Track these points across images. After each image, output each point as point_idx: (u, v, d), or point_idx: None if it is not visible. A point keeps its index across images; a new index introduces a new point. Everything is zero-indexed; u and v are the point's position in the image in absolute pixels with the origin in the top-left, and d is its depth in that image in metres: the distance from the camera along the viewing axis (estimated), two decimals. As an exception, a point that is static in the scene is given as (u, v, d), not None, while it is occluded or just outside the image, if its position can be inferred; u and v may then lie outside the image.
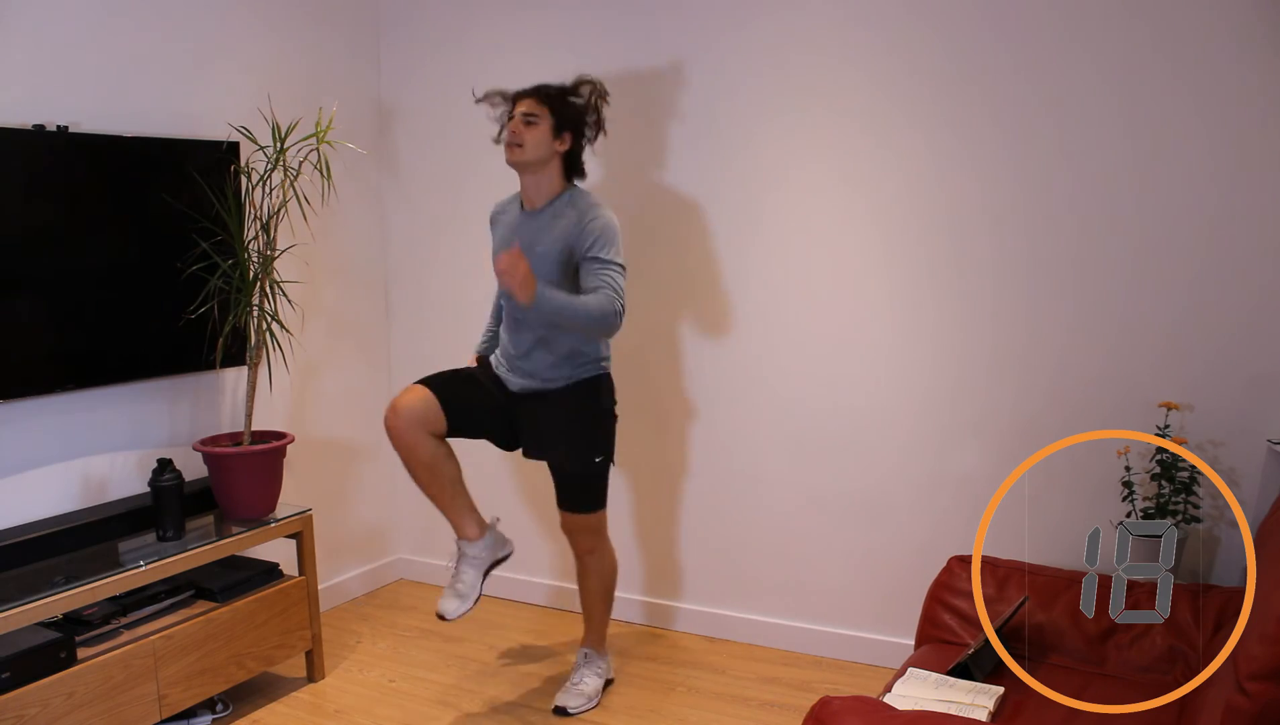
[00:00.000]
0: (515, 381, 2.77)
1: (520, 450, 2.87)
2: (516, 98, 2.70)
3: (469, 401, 2.74)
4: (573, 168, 2.73)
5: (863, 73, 2.93)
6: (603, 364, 2.78)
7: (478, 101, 2.80)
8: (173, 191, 2.85)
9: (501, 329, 2.85)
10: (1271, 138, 2.49)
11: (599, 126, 2.75)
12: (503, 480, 3.64)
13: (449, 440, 2.74)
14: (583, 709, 2.85)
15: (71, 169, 2.64)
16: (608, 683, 3.00)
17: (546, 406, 2.74)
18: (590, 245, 2.60)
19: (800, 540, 3.19)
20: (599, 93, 2.74)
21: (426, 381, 2.72)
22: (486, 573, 2.81)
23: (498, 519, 2.89)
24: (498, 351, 2.86)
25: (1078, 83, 2.68)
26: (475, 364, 2.91)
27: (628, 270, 2.70)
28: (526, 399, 2.77)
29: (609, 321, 2.56)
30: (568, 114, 2.66)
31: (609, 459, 2.80)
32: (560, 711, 2.84)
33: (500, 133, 2.72)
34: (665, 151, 3.24)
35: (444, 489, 2.73)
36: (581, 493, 2.79)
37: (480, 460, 3.36)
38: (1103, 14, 2.63)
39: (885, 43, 2.89)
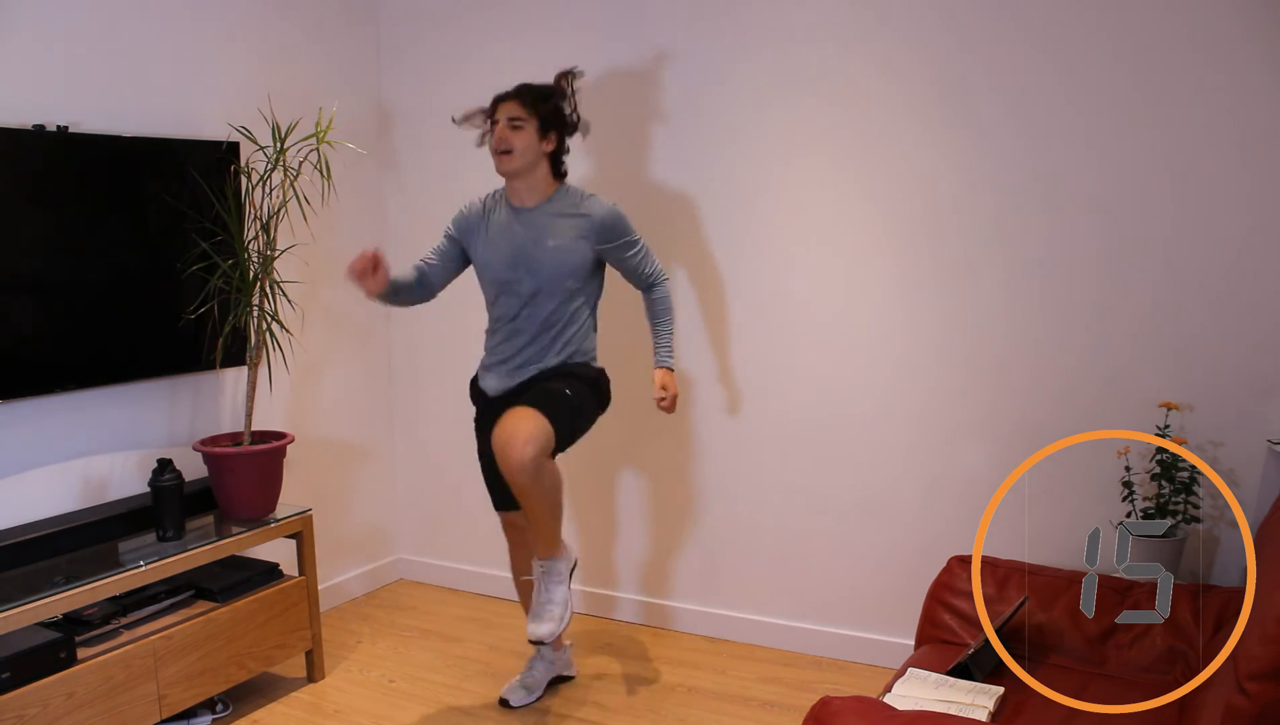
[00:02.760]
0: (513, 380, 2.74)
1: None
2: (497, 102, 2.68)
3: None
4: (559, 165, 2.74)
5: (869, 63, 2.92)
6: (590, 355, 2.78)
7: (459, 124, 2.77)
8: (173, 191, 2.85)
9: (486, 337, 2.81)
10: (1272, 136, 2.49)
11: (576, 116, 2.76)
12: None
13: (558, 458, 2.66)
14: (557, 630, 2.64)
15: (71, 169, 2.65)
16: (573, 568, 2.82)
17: (536, 379, 2.70)
18: (612, 239, 2.70)
19: (800, 540, 3.19)
20: (574, 75, 2.75)
21: (499, 501, 2.86)
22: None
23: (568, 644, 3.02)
24: (484, 367, 2.81)
25: (1085, 84, 2.68)
26: (385, 283, 2.69)
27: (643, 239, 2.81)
28: (516, 388, 2.73)
29: (673, 301, 2.91)
30: (551, 114, 2.67)
31: (580, 404, 2.66)
32: (536, 642, 2.78)
33: (483, 138, 2.72)
34: (666, 149, 3.24)
35: (559, 511, 2.69)
36: (545, 399, 2.57)
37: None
38: (1117, 10, 2.63)
39: (893, 32, 2.87)
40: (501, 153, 2.64)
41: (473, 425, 2.88)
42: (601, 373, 2.80)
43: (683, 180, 3.23)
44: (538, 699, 2.94)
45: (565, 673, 3.06)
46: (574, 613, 3.52)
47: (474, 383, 2.86)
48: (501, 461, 2.46)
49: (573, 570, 2.87)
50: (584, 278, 2.69)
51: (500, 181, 2.75)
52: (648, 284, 2.82)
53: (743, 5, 3.06)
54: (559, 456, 2.63)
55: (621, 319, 3.34)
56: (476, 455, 2.85)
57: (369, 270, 2.57)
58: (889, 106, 2.91)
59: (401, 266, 2.84)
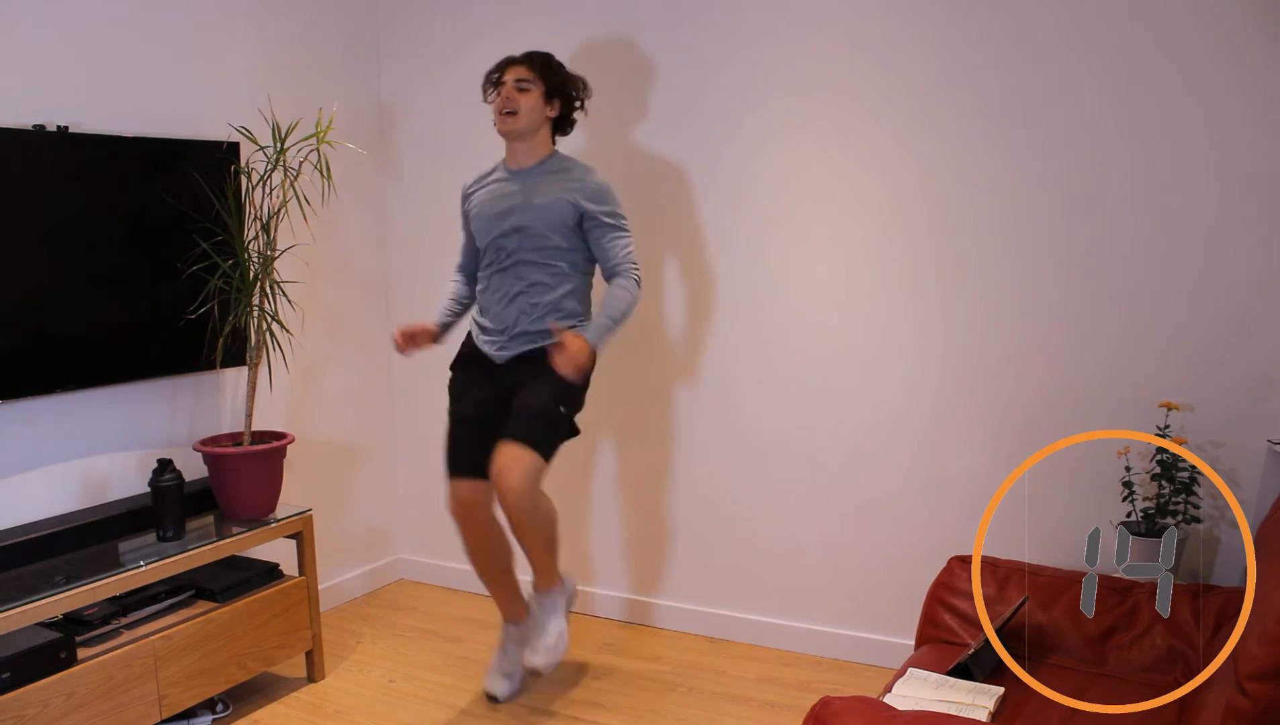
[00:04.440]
0: (498, 355, 2.77)
1: None
2: (506, 64, 2.73)
3: (485, 444, 2.71)
4: (559, 131, 2.81)
5: (876, 60, 2.91)
6: (584, 324, 2.77)
7: (487, 97, 2.81)
8: (173, 191, 2.85)
9: (479, 294, 2.85)
10: (1271, 137, 2.49)
11: (581, 104, 2.84)
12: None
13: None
14: (553, 662, 2.77)
15: (71, 169, 2.64)
16: (572, 599, 2.98)
17: (530, 370, 2.72)
18: (598, 204, 2.70)
19: (801, 540, 3.19)
20: (587, 88, 2.85)
21: (458, 468, 2.79)
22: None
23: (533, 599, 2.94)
24: (475, 320, 2.86)
25: (1080, 84, 2.68)
26: (436, 331, 2.89)
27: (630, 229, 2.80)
28: (514, 371, 2.75)
29: (637, 298, 2.74)
30: (557, 81, 2.74)
31: (571, 419, 2.75)
32: (533, 673, 2.84)
33: (488, 95, 2.76)
34: (664, 144, 3.24)
35: (500, 573, 2.87)
36: (534, 426, 2.63)
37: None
38: (1109, 17, 2.62)
39: (900, 28, 2.87)
40: (507, 113, 2.69)
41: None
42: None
43: (680, 176, 3.23)
44: (521, 683, 2.95)
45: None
46: (575, 611, 3.53)
47: (465, 343, 2.89)
48: (500, 498, 2.65)
49: (571, 600, 2.95)
50: (570, 236, 2.72)
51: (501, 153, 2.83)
52: (611, 271, 2.73)
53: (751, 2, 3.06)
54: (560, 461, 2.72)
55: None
56: (483, 456, 2.74)
57: (412, 344, 2.82)
58: (892, 102, 2.91)
59: (445, 287, 3.01)
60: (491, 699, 2.89)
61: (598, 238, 2.72)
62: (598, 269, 2.82)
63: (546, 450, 2.66)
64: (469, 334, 2.90)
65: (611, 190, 2.74)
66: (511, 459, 2.59)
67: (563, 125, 2.82)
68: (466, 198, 2.89)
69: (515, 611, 2.92)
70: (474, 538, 2.81)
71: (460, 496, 2.79)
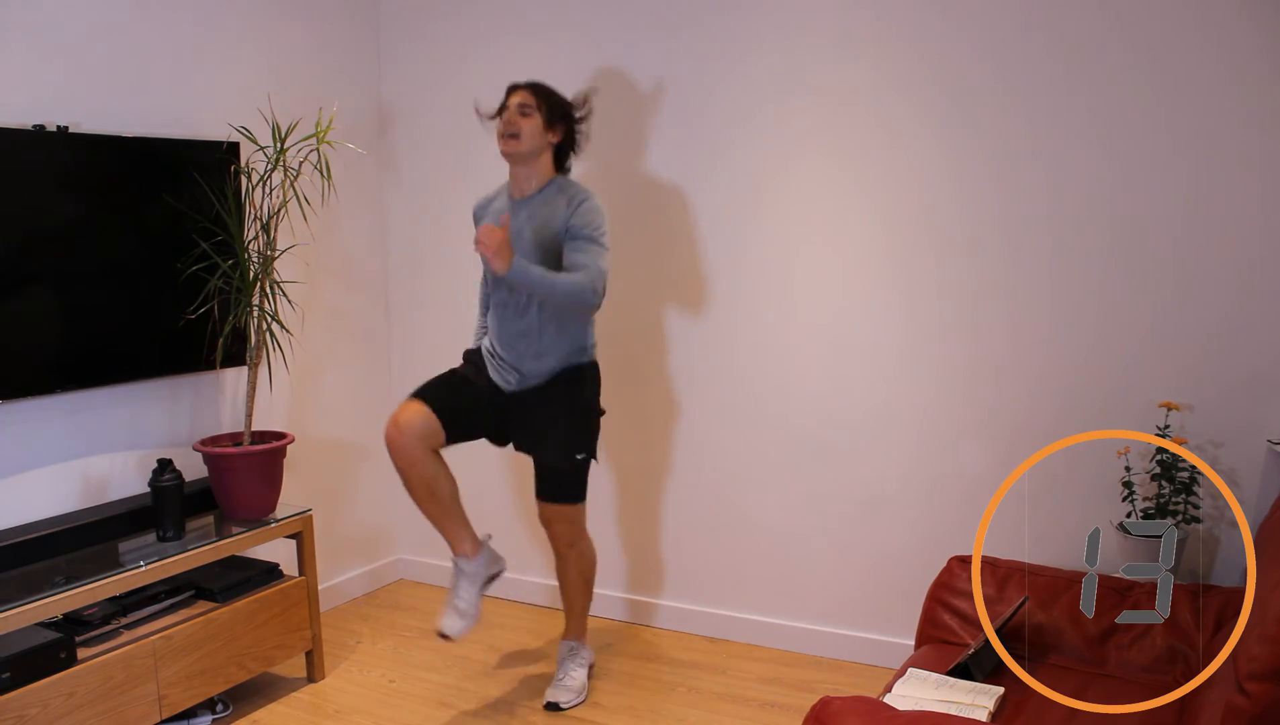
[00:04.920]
0: (505, 384, 2.80)
1: (512, 445, 2.90)
2: (510, 90, 2.76)
3: (464, 407, 2.76)
4: (562, 160, 2.81)
5: (870, 64, 2.92)
6: (589, 352, 2.81)
7: (491, 119, 2.80)
8: (173, 191, 2.85)
9: (489, 319, 2.87)
10: (1268, 137, 2.49)
11: (583, 124, 2.84)
12: (497, 483, 3.64)
13: (445, 455, 2.76)
14: (573, 703, 2.88)
15: (71, 169, 2.64)
16: (590, 669, 3.05)
17: (534, 400, 2.77)
18: (577, 224, 2.68)
19: (801, 540, 3.19)
20: (591, 95, 2.87)
21: (422, 394, 2.73)
22: (483, 589, 2.83)
23: (489, 536, 2.91)
24: (485, 343, 2.88)
25: (1074, 85, 2.68)
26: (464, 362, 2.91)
27: (610, 254, 2.72)
28: (516, 394, 2.79)
29: (585, 298, 2.60)
30: (560, 107, 2.75)
31: (590, 455, 2.82)
32: (552, 707, 2.86)
33: (498, 114, 2.75)
34: (667, 155, 3.24)
35: (442, 505, 2.76)
36: (560, 485, 2.82)
37: (474, 463, 3.36)
38: (1093, 23, 2.63)
39: (895, 33, 2.87)
40: (508, 136, 2.70)
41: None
42: (595, 377, 2.84)
43: (680, 179, 3.23)
44: (475, 618, 2.78)
45: (494, 570, 2.90)
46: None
47: (477, 352, 2.90)
48: (550, 538, 2.90)
49: (590, 669, 3.04)
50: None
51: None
52: (572, 269, 2.64)
53: (750, 10, 3.06)
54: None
55: (620, 319, 3.34)
56: (457, 414, 2.73)
57: (504, 246, 2.52)
58: (889, 106, 2.91)
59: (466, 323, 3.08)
60: (442, 636, 2.74)
61: (571, 251, 2.65)
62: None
63: (580, 495, 2.86)
64: (482, 349, 2.89)
65: (599, 213, 2.70)
66: (553, 515, 2.86)
67: (565, 153, 2.80)
68: (476, 216, 2.93)
69: (463, 546, 2.78)
70: (404, 464, 2.67)
71: (400, 417, 2.65)
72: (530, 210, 2.73)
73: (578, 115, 2.80)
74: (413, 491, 2.73)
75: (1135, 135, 2.63)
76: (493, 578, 2.88)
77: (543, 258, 2.68)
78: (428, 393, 2.73)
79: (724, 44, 3.11)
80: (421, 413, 2.66)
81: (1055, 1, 2.68)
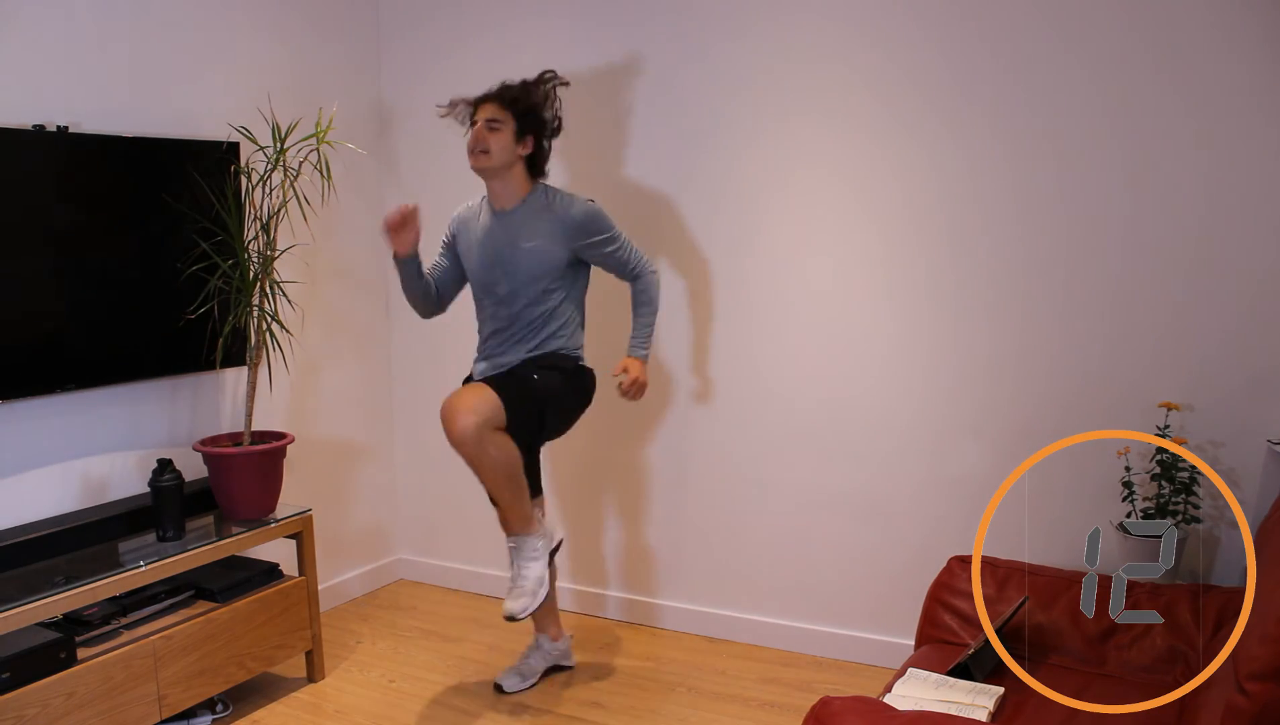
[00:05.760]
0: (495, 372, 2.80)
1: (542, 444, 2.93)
2: (478, 103, 2.75)
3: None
4: (536, 168, 2.79)
5: (859, 77, 2.93)
6: (578, 351, 2.84)
7: (443, 115, 2.84)
8: (173, 191, 2.85)
9: (479, 327, 2.88)
10: (1269, 136, 2.49)
11: (557, 121, 2.82)
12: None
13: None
14: (530, 608, 2.69)
15: (71, 169, 2.64)
16: (556, 548, 2.88)
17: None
18: (588, 235, 2.72)
19: (800, 540, 3.19)
20: (558, 82, 2.81)
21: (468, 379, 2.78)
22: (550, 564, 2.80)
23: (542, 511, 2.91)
24: (476, 357, 2.89)
25: (1074, 85, 2.68)
26: (411, 218, 2.79)
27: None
28: None
29: (660, 288, 2.89)
30: (530, 117, 2.73)
31: (544, 390, 2.68)
32: (510, 618, 2.69)
33: (468, 127, 2.76)
34: (664, 153, 3.24)
35: (516, 485, 2.66)
36: (500, 378, 2.68)
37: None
38: (1094, 18, 2.63)
39: (881, 48, 2.89)
40: (479, 152, 2.71)
41: None
42: (581, 367, 2.83)
43: (675, 174, 3.23)
44: (531, 686, 2.97)
45: (563, 663, 3.08)
46: (568, 605, 3.53)
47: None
48: (447, 433, 2.55)
49: (555, 550, 2.88)
50: (560, 277, 2.75)
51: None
52: (632, 276, 2.84)
53: (748, 28, 3.06)
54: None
55: (618, 319, 3.35)
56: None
57: (401, 226, 2.71)
58: (885, 104, 2.91)
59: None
60: (510, 619, 2.70)
61: (599, 258, 2.78)
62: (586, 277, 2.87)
63: (508, 401, 2.58)
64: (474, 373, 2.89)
65: (594, 216, 2.73)
66: (463, 394, 2.57)
67: (538, 161, 2.77)
68: (455, 235, 2.89)
69: (530, 523, 2.73)
70: (474, 452, 2.57)
71: (466, 400, 2.57)
72: (516, 224, 2.73)
73: (547, 114, 2.76)
74: (485, 476, 2.63)
75: (1143, 133, 2.63)
76: (555, 550, 2.87)
77: (547, 268, 2.70)
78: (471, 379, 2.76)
79: (729, 61, 3.11)
80: (482, 391, 2.57)
81: (1047, 15, 2.67)
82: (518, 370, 2.74)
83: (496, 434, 2.59)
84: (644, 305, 2.85)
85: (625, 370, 2.79)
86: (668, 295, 3.29)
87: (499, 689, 2.95)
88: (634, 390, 2.80)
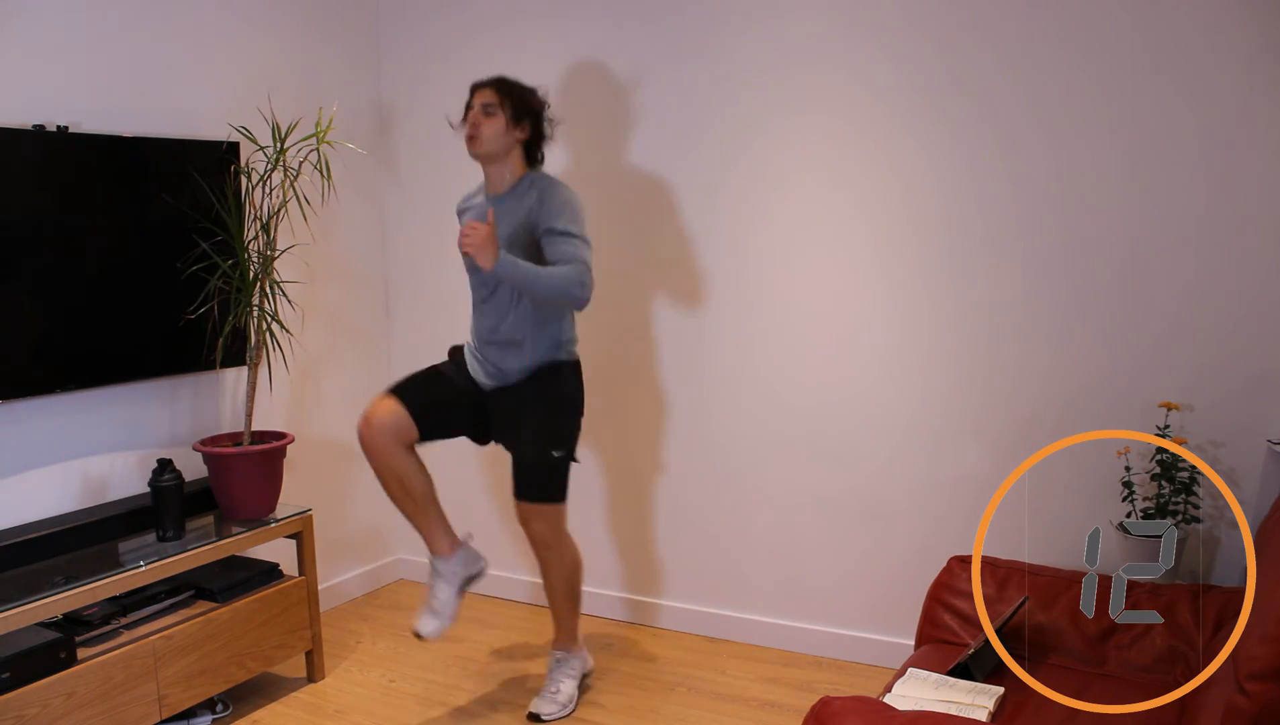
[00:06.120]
0: (485, 380, 2.80)
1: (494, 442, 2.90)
2: (474, 89, 2.74)
3: (439, 404, 2.76)
4: (533, 155, 2.78)
5: (859, 79, 2.93)
6: (567, 348, 2.78)
7: (457, 128, 2.80)
8: (173, 191, 2.85)
9: (472, 319, 2.86)
10: (1269, 137, 2.49)
11: (551, 124, 2.81)
12: (491, 481, 3.63)
13: (420, 452, 2.76)
14: (556, 716, 2.80)
15: (71, 169, 2.64)
16: (586, 676, 2.99)
17: (512, 396, 2.76)
18: (551, 218, 2.63)
19: (800, 540, 3.19)
20: (549, 112, 2.80)
21: (396, 391, 2.74)
22: (461, 590, 2.82)
23: (470, 535, 2.91)
24: (472, 340, 2.87)
25: (1074, 85, 2.68)
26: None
27: (591, 244, 2.68)
28: (496, 390, 2.79)
29: (573, 292, 2.58)
30: (525, 103, 2.72)
31: (569, 454, 2.76)
32: (534, 718, 2.79)
33: (464, 115, 2.75)
34: (664, 153, 3.24)
35: (416, 503, 2.77)
36: (535, 481, 2.73)
37: (465, 462, 3.36)
38: (1094, 19, 2.63)
39: (881, 49, 2.89)
40: (471, 137, 2.70)
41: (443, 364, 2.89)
42: (575, 375, 2.81)
43: (675, 174, 3.23)
44: (453, 618, 2.80)
45: (474, 570, 2.87)
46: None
47: (461, 349, 2.90)
48: (530, 541, 2.79)
49: (586, 674, 2.97)
50: (540, 258, 2.67)
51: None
52: (558, 261, 2.61)
53: (748, 28, 3.06)
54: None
55: (620, 319, 3.34)
56: (432, 411, 2.74)
57: (489, 241, 2.50)
58: (883, 122, 2.91)
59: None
60: (417, 636, 2.75)
61: (550, 246, 2.61)
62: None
63: (558, 495, 2.76)
64: (465, 347, 2.89)
65: (571, 204, 2.65)
66: (529, 514, 2.75)
67: (535, 147, 2.77)
68: (459, 212, 2.93)
69: (438, 544, 2.79)
70: (376, 460, 2.70)
71: (371, 412, 2.67)
72: (506, 207, 2.72)
73: (544, 116, 2.76)
74: (386, 487, 2.76)
75: (1144, 135, 2.63)
76: (471, 578, 2.84)
77: (518, 255, 2.65)
78: (402, 389, 2.74)
79: (730, 62, 3.10)
80: (392, 408, 2.68)
81: (1045, 15, 2.67)
82: (531, 452, 2.71)
83: (566, 543, 2.82)
84: (545, 270, 2.56)
85: (469, 228, 2.50)
86: (668, 294, 3.29)
87: (418, 636, 2.76)
88: (469, 238, 2.48)
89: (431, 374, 2.84)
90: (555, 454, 2.73)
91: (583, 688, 2.97)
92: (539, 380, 2.74)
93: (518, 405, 2.75)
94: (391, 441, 2.68)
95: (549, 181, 2.72)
